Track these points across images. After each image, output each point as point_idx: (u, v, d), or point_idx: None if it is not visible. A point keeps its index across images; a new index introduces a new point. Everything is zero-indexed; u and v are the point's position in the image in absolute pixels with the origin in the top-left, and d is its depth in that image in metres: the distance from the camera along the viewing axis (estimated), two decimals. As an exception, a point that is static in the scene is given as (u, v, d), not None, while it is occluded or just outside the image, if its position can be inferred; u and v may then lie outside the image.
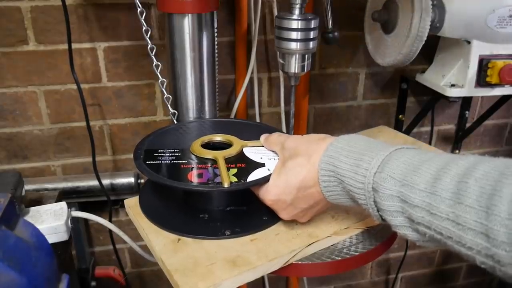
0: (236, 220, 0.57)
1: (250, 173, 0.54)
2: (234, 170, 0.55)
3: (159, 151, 0.61)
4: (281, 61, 0.60)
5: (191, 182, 0.53)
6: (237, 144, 0.61)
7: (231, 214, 0.59)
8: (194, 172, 0.55)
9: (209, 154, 0.59)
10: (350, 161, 0.46)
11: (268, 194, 0.53)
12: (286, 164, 0.52)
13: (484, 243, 0.35)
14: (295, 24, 0.57)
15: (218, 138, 0.64)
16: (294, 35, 0.57)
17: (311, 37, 0.58)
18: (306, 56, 0.59)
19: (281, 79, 1.03)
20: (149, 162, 0.58)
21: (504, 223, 0.33)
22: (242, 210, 0.60)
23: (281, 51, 0.58)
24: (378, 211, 0.44)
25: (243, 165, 0.56)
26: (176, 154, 0.60)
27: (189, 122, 0.74)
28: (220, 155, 0.58)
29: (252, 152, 0.60)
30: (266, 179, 0.53)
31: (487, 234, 0.34)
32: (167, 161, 0.58)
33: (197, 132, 0.68)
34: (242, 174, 0.54)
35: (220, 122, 0.74)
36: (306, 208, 0.52)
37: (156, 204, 0.62)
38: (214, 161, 0.57)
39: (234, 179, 0.53)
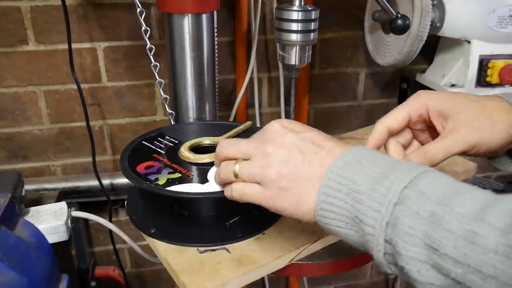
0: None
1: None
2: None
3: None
4: (281, 53, 0.59)
5: (138, 172, 0.53)
6: None
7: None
8: (145, 164, 0.55)
9: (187, 158, 0.57)
10: (371, 174, 0.37)
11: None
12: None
13: None
14: (295, 15, 0.56)
15: (207, 141, 0.62)
16: (295, 26, 0.56)
17: (312, 28, 0.57)
18: (307, 48, 0.58)
19: (281, 79, 1.03)
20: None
21: None
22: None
23: (281, 42, 0.58)
24: (385, 229, 0.34)
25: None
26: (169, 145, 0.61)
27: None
28: (197, 160, 0.56)
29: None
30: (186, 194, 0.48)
31: None
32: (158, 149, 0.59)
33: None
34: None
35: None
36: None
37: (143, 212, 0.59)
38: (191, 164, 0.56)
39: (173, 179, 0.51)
